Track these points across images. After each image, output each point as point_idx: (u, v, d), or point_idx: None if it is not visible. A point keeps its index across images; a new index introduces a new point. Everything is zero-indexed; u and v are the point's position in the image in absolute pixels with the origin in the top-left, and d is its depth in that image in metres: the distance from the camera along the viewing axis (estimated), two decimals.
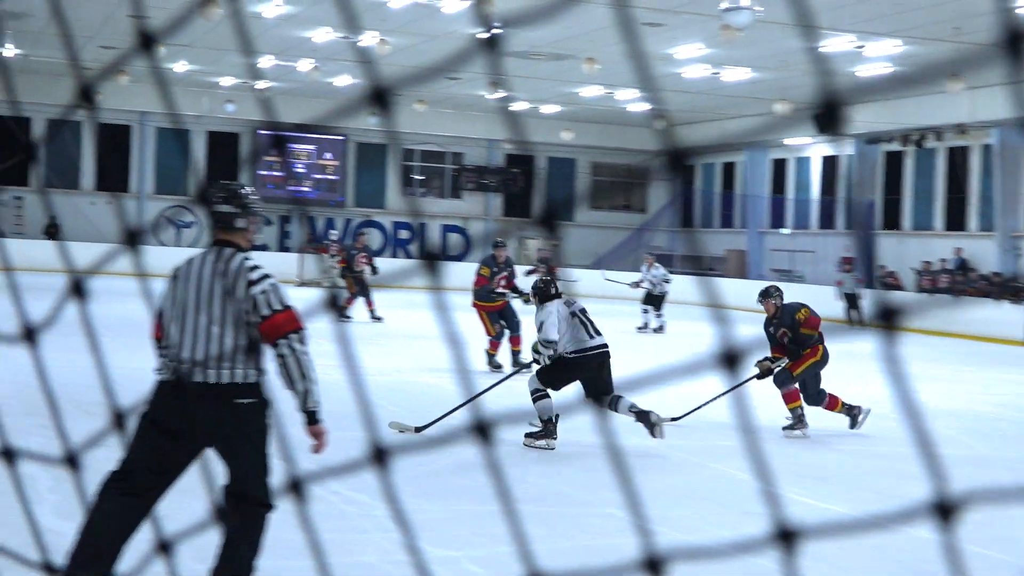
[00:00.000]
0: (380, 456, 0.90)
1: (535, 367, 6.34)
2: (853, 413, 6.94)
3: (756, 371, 6.79)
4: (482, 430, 0.81)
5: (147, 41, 0.91)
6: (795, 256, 22.84)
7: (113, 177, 24.95)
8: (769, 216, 23.87)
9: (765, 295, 7.02)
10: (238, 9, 1.24)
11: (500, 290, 9.47)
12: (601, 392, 6.10)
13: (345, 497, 4.74)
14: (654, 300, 14.44)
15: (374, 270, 13.89)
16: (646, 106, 21.71)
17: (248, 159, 26.06)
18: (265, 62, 20.43)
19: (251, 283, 3.17)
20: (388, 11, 15.10)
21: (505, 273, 9.62)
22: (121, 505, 3.10)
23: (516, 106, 25.76)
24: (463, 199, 27.40)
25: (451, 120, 25.92)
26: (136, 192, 25.42)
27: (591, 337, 6.17)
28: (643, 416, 5.98)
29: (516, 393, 7.12)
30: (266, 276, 3.20)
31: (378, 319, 13.93)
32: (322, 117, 21.71)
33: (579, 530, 4.42)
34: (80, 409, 6.26)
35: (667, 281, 14.42)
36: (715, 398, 6.83)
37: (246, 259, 3.23)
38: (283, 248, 25.08)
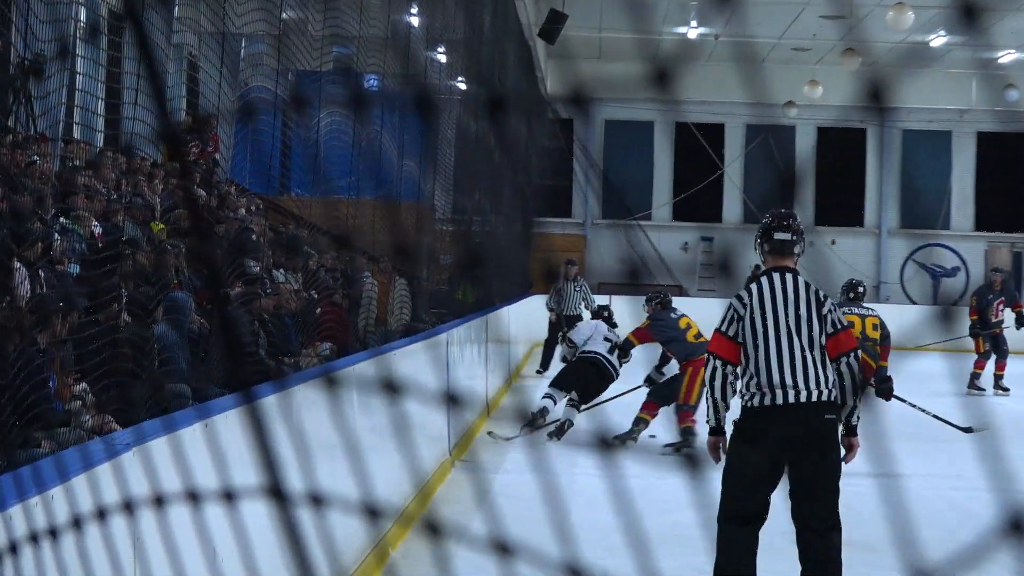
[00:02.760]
0: None
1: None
2: None
3: None
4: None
5: None
6: None
7: (842, 205, 26.57)
8: None
9: None
10: None
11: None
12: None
13: None
14: None
15: (1021, 322, 14.97)
16: None
17: None
18: None
19: (820, 303, 5.08)
20: None
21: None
22: (747, 535, 5.00)
23: None
24: None
25: None
26: (874, 227, 26.70)
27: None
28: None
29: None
30: (828, 297, 5.12)
31: (1004, 390, 15.03)
32: None
33: None
34: None
35: None
36: None
37: (808, 281, 5.16)
38: None
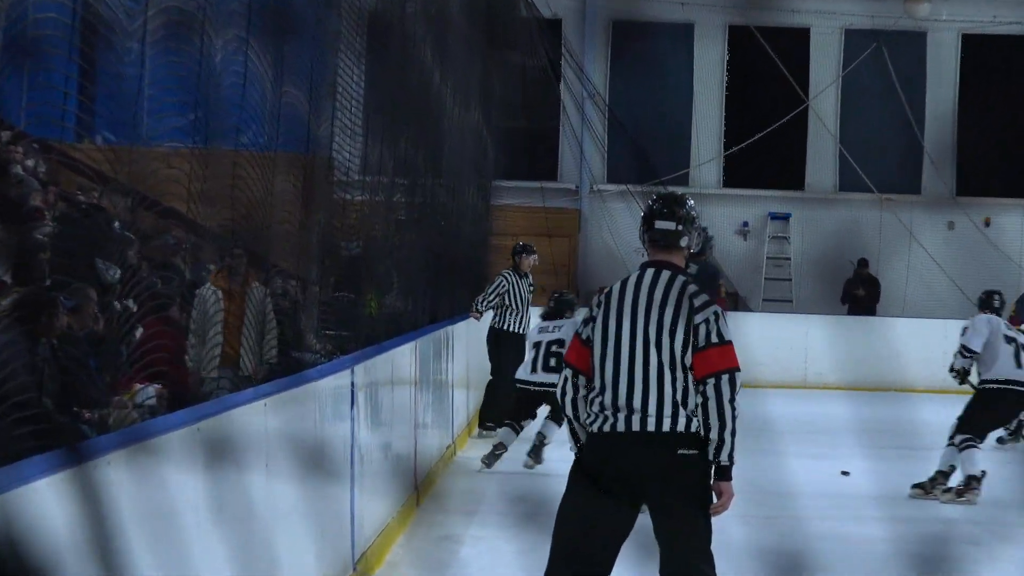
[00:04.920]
0: None
1: None
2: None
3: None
4: None
5: None
6: None
7: (1000, 163, 26.79)
8: None
9: None
10: None
11: None
12: None
13: None
14: None
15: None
16: None
17: None
18: None
19: (694, 309, 6.39)
20: None
21: None
22: None
23: None
24: None
25: None
26: None
27: None
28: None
29: None
30: (710, 303, 6.43)
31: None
32: None
33: None
34: None
35: None
36: None
37: (687, 283, 6.48)
38: None
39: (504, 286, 17.03)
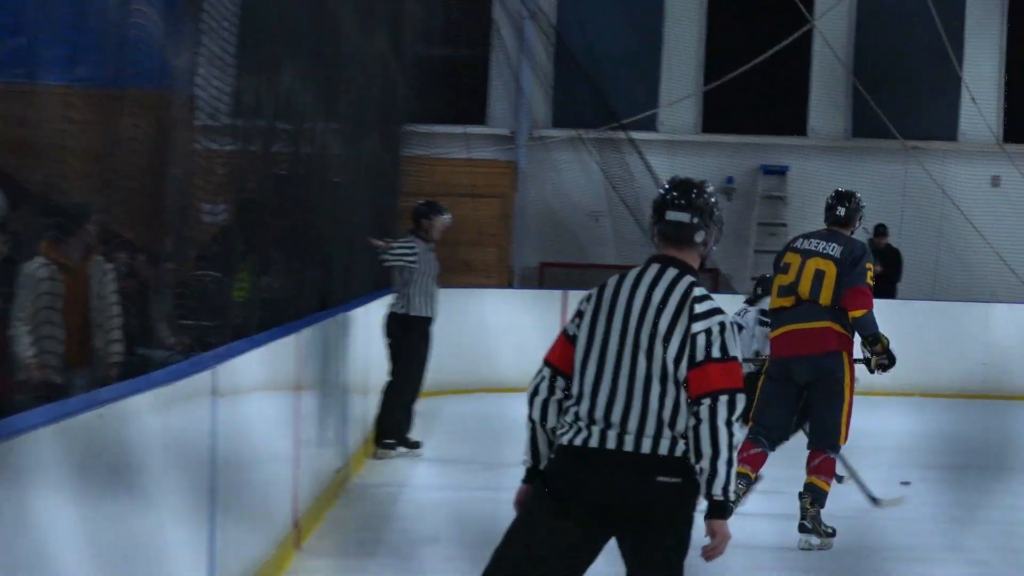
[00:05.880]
0: None
1: None
2: None
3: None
4: None
5: None
6: None
7: None
8: None
9: None
10: None
11: None
12: None
13: None
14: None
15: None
16: None
17: None
18: None
19: (695, 316, 6.93)
20: None
21: None
22: None
23: None
24: None
25: None
26: None
27: None
28: None
29: None
30: (716, 311, 6.99)
31: None
32: None
33: None
34: None
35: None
36: None
37: (694, 283, 7.05)
38: None
39: (415, 251, 16.99)
